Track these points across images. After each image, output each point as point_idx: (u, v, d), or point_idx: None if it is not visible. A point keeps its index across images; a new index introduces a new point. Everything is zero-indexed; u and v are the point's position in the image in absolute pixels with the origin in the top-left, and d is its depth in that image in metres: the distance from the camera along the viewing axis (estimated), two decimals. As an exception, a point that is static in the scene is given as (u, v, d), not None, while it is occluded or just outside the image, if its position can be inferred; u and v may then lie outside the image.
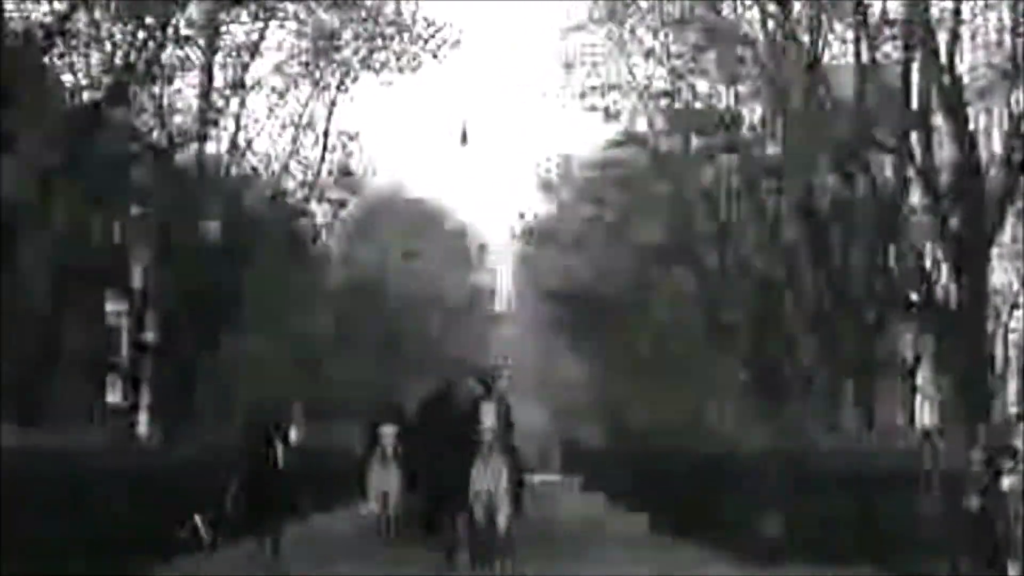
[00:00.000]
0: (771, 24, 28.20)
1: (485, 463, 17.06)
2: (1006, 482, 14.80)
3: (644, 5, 30.04)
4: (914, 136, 25.80)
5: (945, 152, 25.87)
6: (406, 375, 39.55)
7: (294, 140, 33.06)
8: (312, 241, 35.25)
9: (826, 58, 27.68)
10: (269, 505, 16.72)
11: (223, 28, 30.01)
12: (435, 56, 32.98)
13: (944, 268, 25.43)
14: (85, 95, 26.67)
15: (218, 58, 30.47)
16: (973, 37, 27.01)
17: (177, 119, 29.57)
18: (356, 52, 32.84)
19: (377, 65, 32.99)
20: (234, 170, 31.69)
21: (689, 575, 18.43)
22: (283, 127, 32.79)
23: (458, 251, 51.10)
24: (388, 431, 20.88)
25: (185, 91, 29.71)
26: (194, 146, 30.35)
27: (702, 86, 31.46)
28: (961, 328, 24.74)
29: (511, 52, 47.87)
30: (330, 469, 29.48)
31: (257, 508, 16.71)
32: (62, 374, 26.29)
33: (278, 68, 32.22)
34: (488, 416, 16.95)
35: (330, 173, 33.86)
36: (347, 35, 32.51)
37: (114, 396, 29.63)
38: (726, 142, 30.94)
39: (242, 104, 31.52)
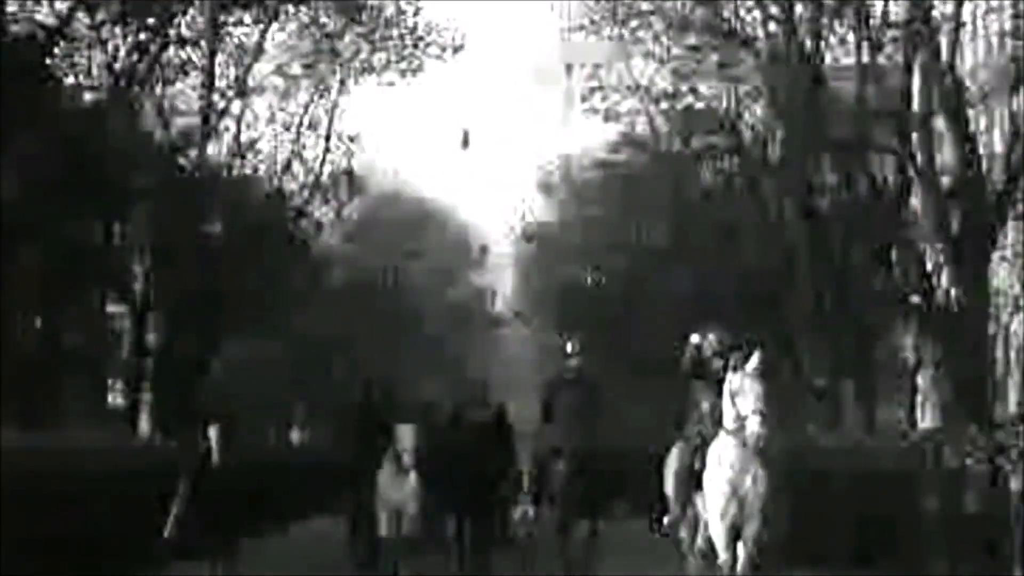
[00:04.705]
0: (772, 25, 28.21)
1: (740, 458, 11.90)
2: (1007, 483, 14.79)
3: (645, 7, 30.02)
4: (915, 137, 25.82)
5: (946, 153, 25.88)
6: (407, 375, 39.51)
7: (295, 141, 33.12)
8: (313, 242, 35.25)
9: (827, 59, 27.69)
10: (216, 520, 14.26)
11: (225, 30, 30.02)
12: (437, 58, 33.02)
13: (945, 269, 25.42)
14: (87, 96, 26.70)
15: (220, 59, 30.51)
16: (974, 39, 27.02)
17: (179, 120, 29.60)
18: (357, 54, 32.86)
19: (378, 67, 33.02)
20: (236, 171, 31.72)
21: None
22: (285, 128, 32.87)
23: (459, 252, 51.07)
24: (407, 431, 16.75)
25: (187, 92, 29.77)
26: (196, 147, 30.36)
27: (703, 87, 31.47)
28: (962, 329, 24.75)
29: (512, 53, 47.79)
30: (329, 472, 29.36)
31: (207, 523, 14.26)
32: (63, 375, 26.32)
33: (280, 69, 32.26)
34: (752, 394, 11.76)
35: (331, 174, 33.88)
36: (348, 37, 32.54)
37: (114, 397, 29.60)
38: (727, 143, 30.94)
39: (244, 105, 31.60)
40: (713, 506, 12.02)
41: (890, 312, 27.39)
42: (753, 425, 11.65)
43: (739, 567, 11.93)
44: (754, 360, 11.89)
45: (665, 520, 12.91)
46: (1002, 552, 14.08)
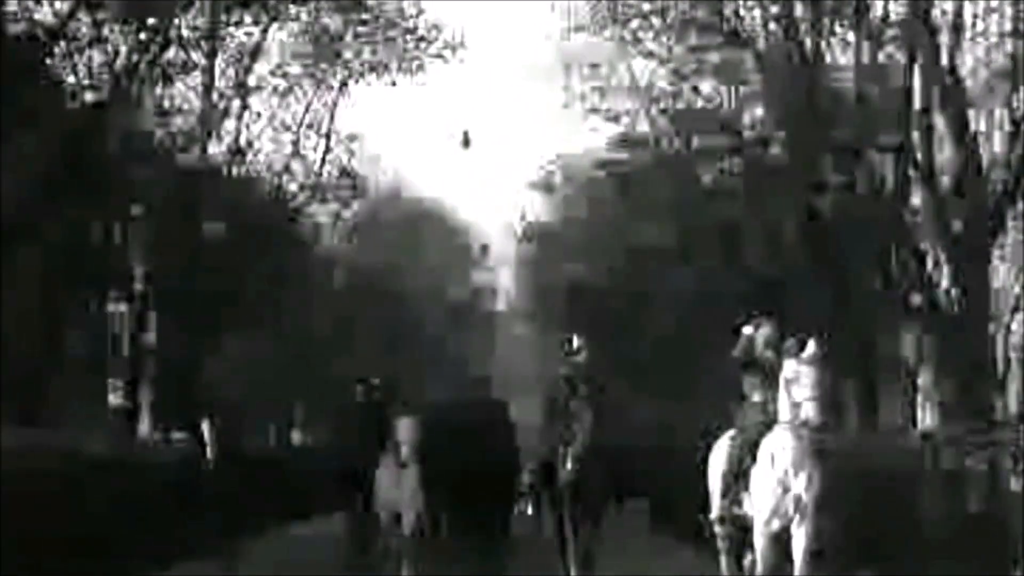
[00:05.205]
0: (772, 25, 28.21)
1: (794, 456, 11.24)
2: (1008, 484, 14.78)
3: (646, 7, 30.02)
4: (915, 137, 25.82)
5: (946, 153, 25.88)
6: (408, 375, 39.52)
7: (296, 141, 33.12)
8: (313, 242, 35.27)
9: (827, 59, 27.69)
10: (210, 520, 14.34)
11: (225, 30, 30.02)
12: (438, 57, 33.01)
13: (945, 269, 25.42)
14: (87, 96, 26.69)
15: (220, 59, 30.52)
16: (974, 38, 27.01)
17: (179, 120, 29.60)
18: (358, 54, 32.86)
19: (379, 67, 33.01)
20: (236, 171, 31.72)
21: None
22: (285, 128, 32.86)
23: (460, 251, 51.10)
24: (406, 425, 16.07)
25: (187, 92, 29.77)
26: (196, 147, 30.36)
27: (704, 87, 31.47)
28: (962, 329, 24.75)
29: (513, 53, 47.89)
30: (330, 472, 29.31)
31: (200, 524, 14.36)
32: (62, 374, 26.31)
33: (280, 69, 32.27)
34: (808, 381, 11.13)
35: (332, 174, 33.88)
36: (349, 37, 32.53)
37: (114, 396, 29.60)
38: (727, 143, 30.92)
39: (244, 105, 31.59)
40: (762, 506, 11.39)
41: (890, 312, 27.37)
42: (808, 411, 11.07)
43: (796, 570, 11.28)
44: (810, 347, 11.35)
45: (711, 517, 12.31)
46: (1003, 553, 14.07)
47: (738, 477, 11.75)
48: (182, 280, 28.53)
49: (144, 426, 28.91)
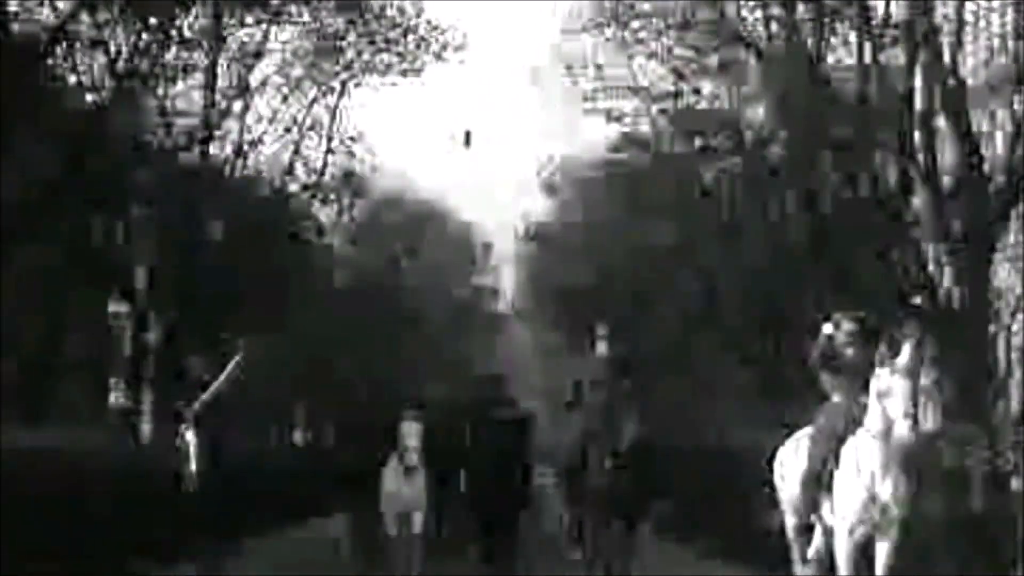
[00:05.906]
0: (774, 25, 28.22)
1: (881, 462, 10.74)
2: (1008, 484, 14.78)
3: (647, 7, 30.03)
4: (917, 138, 25.82)
5: (948, 154, 25.89)
6: (410, 375, 39.51)
7: (298, 142, 33.10)
8: (315, 242, 35.26)
9: (829, 60, 27.70)
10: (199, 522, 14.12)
11: (227, 30, 30.04)
12: (439, 58, 33.01)
13: (946, 269, 25.42)
14: (88, 97, 26.71)
15: (222, 60, 30.53)
16: (976, 39, 27.02)
17: (181, 121, 29.60)
18: (360, 54, 32.87)
19: (381, 67, 33.02)
20: (238, 172, 31.72)
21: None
22: (287, 129, 32.84)
23: (462, 251, 51.07)
24: (411, 429, 15.52)
25: (189, 93, 29.77)
26: (198, 148, 30.37)
27: (705, 87, 31.46)
28: (963, 329, 24.75)
29: (514, 53, 47.86)
30: (332, 473, 29.33)
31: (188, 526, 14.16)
32: (63, 374, 26.33)
33: (282, 70, 32.28)
34: (902, 395, 10.57)
35: (334, 175, 33.88)
36: (351, 37, 32.55)
37: (115, 397, 29.60)
38: (729, 143, 30.91)
39: (246, 106, 31.59)
40: (845, 513, 10.82)
41: (892, 313, 27.35)
42: (902, 430, 10.46)
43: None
44: (904, 355, 10.74)
45: (788, 525, 11.68)
46: (1003, 553, 14.07)
47: (820, 481, 11.12)
48: (183, 280, 28.53)
49: (145, 426, 28.88)
